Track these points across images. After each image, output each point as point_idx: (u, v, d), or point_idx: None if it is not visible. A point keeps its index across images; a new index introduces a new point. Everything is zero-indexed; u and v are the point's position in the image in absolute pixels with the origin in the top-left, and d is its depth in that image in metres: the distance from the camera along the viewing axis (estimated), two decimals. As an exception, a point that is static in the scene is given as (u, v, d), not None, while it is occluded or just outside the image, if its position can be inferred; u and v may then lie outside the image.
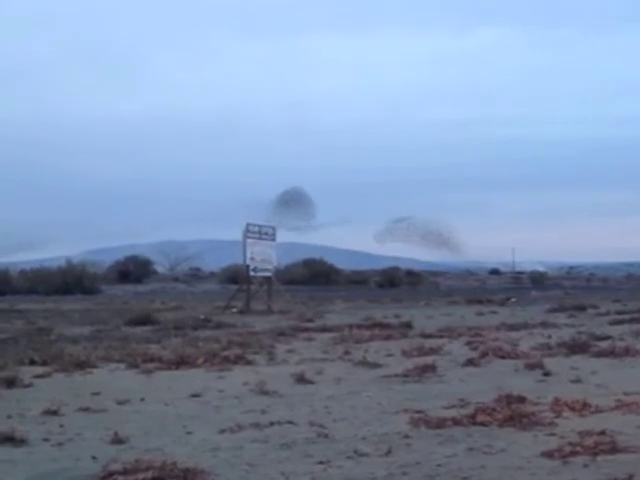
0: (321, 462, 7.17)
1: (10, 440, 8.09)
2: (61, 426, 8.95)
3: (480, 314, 27.30)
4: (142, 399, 10.73)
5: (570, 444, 7.40)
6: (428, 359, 13.76)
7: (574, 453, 7.15)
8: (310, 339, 18.81)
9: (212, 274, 78.00)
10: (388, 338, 18.54)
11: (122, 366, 14.01)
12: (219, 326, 22.96)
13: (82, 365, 13.80)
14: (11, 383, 11.83)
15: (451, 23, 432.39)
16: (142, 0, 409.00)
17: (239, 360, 14.34)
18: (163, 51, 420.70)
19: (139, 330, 21.75)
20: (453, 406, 9.64)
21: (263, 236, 34.44)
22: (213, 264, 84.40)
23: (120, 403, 10.43)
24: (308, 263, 70.34)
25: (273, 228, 35.86)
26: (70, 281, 56.05)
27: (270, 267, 35.12)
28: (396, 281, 67.35)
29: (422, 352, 15.07)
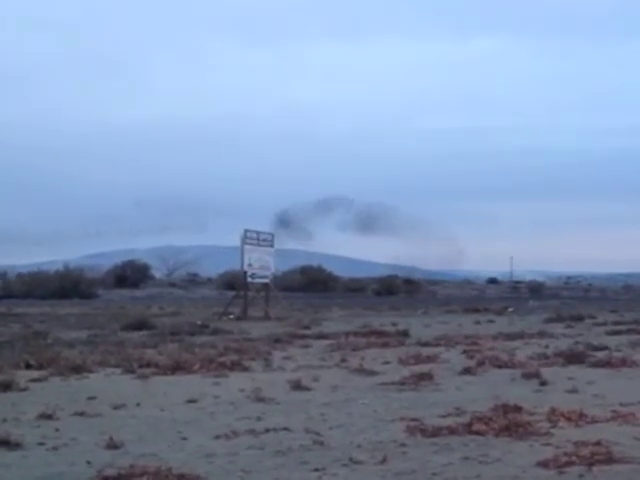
0: (316, 469, 7.16)
1: (5, 444, 8.07)
2: (56, 430, 8.94)
3: (477, 323, 27.29)
4: (138, 404, 10.71)
5: (566, 454, 7.40)
6: (425, 367, 13.76)
7: (570, 463, 7.14)
8: (307, 346, 18.80)
9: (209, 280, 77.95)
10: (385, 346, 18.53)
11: (118, 371, 13.99)
12: (216, 332, 22.93)
13: (78, 369, 13.78)
14: (7, 387, 11.81)
15: (451, 32, 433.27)
16: (141, 6, 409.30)
17: (235, 366, 14.32)
18: (162, 57, 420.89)
19: (135, 335, 21.74)
20: (449, 415, 9.63)
21: (261, 242, 34.43)
22: (210, 270, 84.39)
23: (116, 408, 10.42)
24: (305, 270, 70.35)
25: (271, 235, 35.87)
26: (67, 285, 56.05)
27: (268, 274, 35.11)
28: (394, 289, 67.35)
29: (419, 360, 15.07)
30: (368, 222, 57.22)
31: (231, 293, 40.33)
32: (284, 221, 42.60)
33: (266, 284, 35.30)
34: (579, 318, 28.33)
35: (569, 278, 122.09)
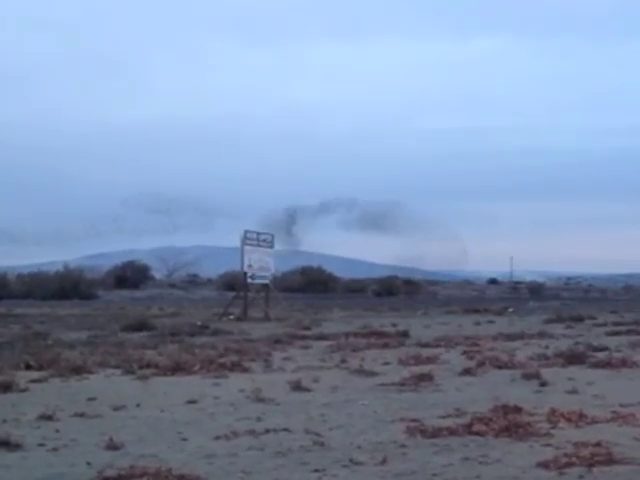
0: (316, 470, 7.16)
1: (5, 445, 8.07)
2: (56, 431, 8.94)
3: (477, 324, 27.31)
4: (138, 405, 10.72)
5: (566, 455, 7.40)
6: (425, 368, 13.76)
7: (570, 464, 7.14)
8: (307, 347, 18.80)
9: (209, 281, 77.94)
10: (385, 347, 18.53)
11: (118, 372, 13.99)
12: (216, 333, 22.94)
13: (78, 370, 13.78)
14: (7, 387, 11.81)
15: (451, 32, 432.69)
16: (141, 6, 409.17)
17: (235, 367, 14.32)
18: (162, 57, 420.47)
19: (135, 336, 21.74)
20: (449, 415, 9.64)
21: (261, 243, 34.44)
22: (210, 271, 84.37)
23: (116, 409, 10.42)
24: (306, 271, 70.35)
25: (271, 235, 35.87)
26: (67, 286, 56.03)
27: (268, 274, 35.11)
28: (394, 290, 67.37)
29: (419, 361, 15.07)
30: (370, 221, 57.56)
31: (231, 294, 40.33)
32: (286, 222, 42.89)
33: (266, 285, 35.31)
34: (579, 319, 28.35)
35: (569, 279, 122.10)
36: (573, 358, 15.14)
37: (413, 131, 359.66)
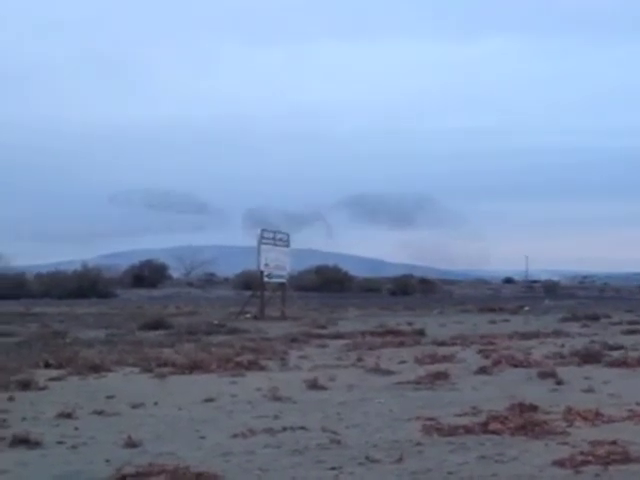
0: (333, 468, 7.20)
1: (24, 442, 8.15)
2: (75, 429, 9.02)
3: (493, 322, 27.29)
4: (156, 403, 10.78)
5: (582, 453, 7.41)
6: (441, 366, 13.78)
7: (586, 462, 7.15)
8: (323, 346, 18.84)
9: (226, 280, 78.10)
10: (401, 345, 18.57)
11: (136, 370, 14.07)
12: (232, 331, 23.02)
13: (96, 368, 13.88)
14: (26, 386, 11.91)
15: (452, 32, 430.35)
16: (142, 6, 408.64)
17: (252, 365, 14.38)
18: (163, 57, 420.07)
19: (153, 334, 21.85)
20: (465, 414, 9.66)
21: (277, 242, 34.49)
22: (227, 270, 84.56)
23: (134, 407, 10.49)
24: (321, 270, 70.36)
25: (287, 234, 35.91)
26: (85, 285, 56.28)
27: (284, 273, 35.16)
28: (409, 289, 67.33)
29: (435, 359, 15.09)
30: (383, 216, 57.50)
31: (248, 293, 40.39)
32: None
33: (282, 284, 35.36)
34: (595, 317, 28.31)
35: (584, 277, 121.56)
36: (589, 357, 15.12)
37: (413, 131, 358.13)
